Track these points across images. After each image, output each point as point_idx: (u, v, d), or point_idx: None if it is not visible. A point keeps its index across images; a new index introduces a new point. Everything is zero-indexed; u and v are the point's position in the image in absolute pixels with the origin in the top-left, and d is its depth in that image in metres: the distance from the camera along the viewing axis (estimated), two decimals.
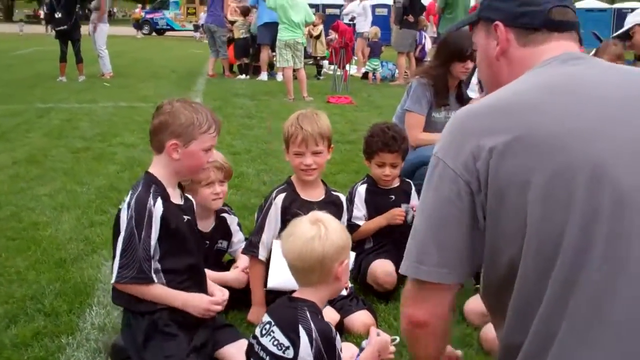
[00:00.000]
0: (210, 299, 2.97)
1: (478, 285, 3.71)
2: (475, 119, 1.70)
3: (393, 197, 4.13)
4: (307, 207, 3.46)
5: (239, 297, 3.47)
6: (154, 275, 2.81)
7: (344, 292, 3.43)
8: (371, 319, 3.39)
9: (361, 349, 2.58)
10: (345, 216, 3.71)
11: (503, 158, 1.58)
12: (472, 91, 4.75)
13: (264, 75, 15.74)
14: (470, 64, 4.91)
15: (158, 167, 2.89)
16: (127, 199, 2.83)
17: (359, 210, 4.05)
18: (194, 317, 2.89)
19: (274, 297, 3.45)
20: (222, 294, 3.06)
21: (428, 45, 15.99)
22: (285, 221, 3.45)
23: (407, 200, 4.16)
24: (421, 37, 15.76)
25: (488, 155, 1.60)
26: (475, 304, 3.47)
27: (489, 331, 3.19)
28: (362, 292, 3.80)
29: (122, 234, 2.78)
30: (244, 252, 3.57)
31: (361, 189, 4.10)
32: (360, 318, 3.37)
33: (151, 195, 2.80)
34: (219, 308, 2.99)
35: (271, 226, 3.49)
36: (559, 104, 1.61)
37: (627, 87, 1.66)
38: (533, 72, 1.78)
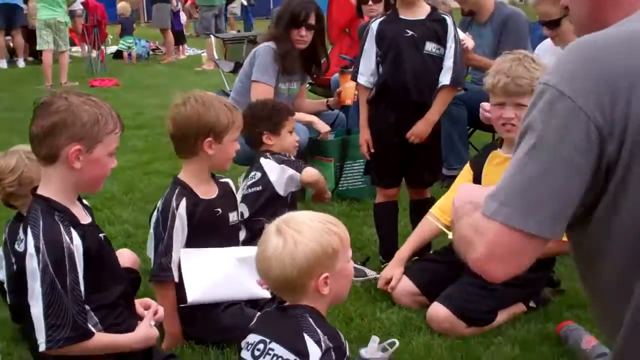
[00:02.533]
0: (146, 323, 2.47)
1: (385, 263, 3.63)
2: (610, 53, 1.43)
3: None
4: (209, 205, 3.05)
5: None
6: (89, 326, 2.26)
7: (267, 295, 3.06)
8: None
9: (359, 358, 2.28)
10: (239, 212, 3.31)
11: None
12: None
13: (2, 63, 14.11)
14: (304, 32, 4.71)
15: (52, 184, 2.29)
16: (28, 240, 2.21)
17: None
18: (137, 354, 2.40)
19: (187, 312, 3.01)
20: (151, 308, 2.58)
21: (183, 17, 15.56)
22: (192, 228, 2.99)
23: None
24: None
25: (627, 99, 1.37)
26: (400, 286, 3.33)
27: (434, 312, 3.07)
28: None
29: (39, 288, 2.18)
30: (155, 279, 2.96)
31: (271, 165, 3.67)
32: None
33: (62, 228, 2.22)
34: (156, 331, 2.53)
35: (178, 240, 2.97)
36: None
37: None
38: None
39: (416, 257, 3.67)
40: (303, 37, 4.75)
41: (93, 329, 2.26)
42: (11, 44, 14.38)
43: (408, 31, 3.47)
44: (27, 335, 2.72)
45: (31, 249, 2.20)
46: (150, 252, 3.01)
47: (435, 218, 3.40)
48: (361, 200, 4.89)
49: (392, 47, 3.47)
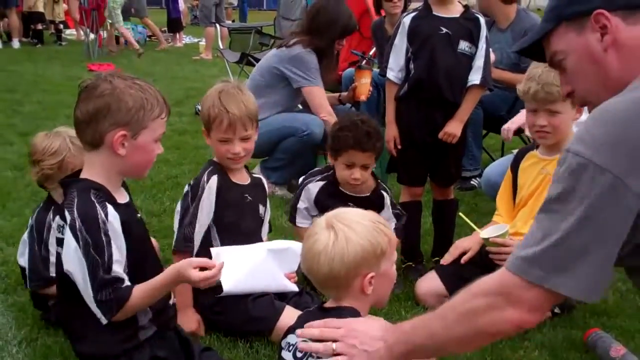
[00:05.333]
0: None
1: (406, 262, 3.60)
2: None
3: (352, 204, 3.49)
4: (238, 190, 3.07)
5: None
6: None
7: (296, 288, 3.03)
8: None
9: None
10: (268, 210, 3.26)
11: None
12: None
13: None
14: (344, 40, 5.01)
15: (95, 169, 2.24)
16: (66, 220, 2.18)
17: (305, 215, 3.44)
18: (176, 345, 2.36)
19: (218, 302, 2.90)
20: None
21: (181, 4, 15.49)
22: (219, 207, 2.99)
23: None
24: None
25: None
26: (428, 285, 3.31)
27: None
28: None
29: (84, 262, 2.15)
30: (177, 249, 2.94)
31: (313, 187, 3.41)
32: None
33: (96, 204, 2.17)
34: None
35: (204, 214, 2.96)
36: None
37: None
38: None
39: (437, 259, 3.65)
40: (342, 44, 4.98)
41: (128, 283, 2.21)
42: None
43: (443, 28, 3.42)
44: (57, 321, 2.69)
45: (67, 228, 2.18)
46: (176, 225, 3.00)
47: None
48: None
49: (427, 44, 3.42)
